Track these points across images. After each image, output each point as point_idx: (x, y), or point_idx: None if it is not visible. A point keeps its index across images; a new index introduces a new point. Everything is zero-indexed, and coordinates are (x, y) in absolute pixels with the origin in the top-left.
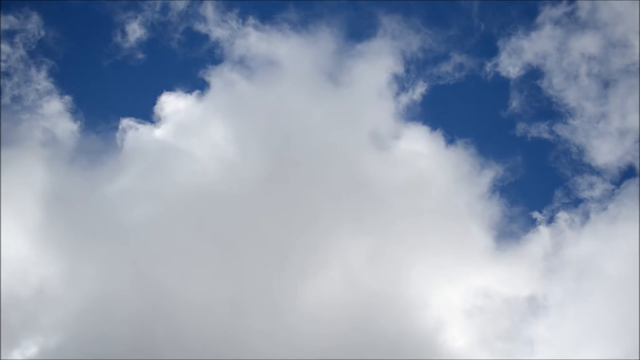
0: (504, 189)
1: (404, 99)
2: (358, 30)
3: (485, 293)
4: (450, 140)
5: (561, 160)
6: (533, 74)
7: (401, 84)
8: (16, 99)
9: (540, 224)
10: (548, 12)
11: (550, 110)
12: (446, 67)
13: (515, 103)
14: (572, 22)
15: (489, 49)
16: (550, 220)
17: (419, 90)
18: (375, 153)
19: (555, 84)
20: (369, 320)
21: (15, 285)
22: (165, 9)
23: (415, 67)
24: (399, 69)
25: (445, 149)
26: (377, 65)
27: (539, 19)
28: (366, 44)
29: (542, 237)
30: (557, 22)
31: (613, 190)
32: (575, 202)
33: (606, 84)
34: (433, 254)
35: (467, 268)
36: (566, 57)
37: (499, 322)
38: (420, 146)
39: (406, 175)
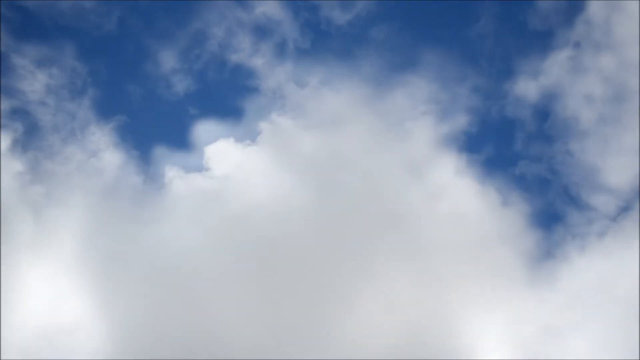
0: (531, 218)
1: (442, 129)
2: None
3: (519, 323)
4: (487, 172)
5: (569, 185)
6: (538, 114)
7: (438, 114)
8: (52, 132)
9: (560, 251)
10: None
11: (561, 134)
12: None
13: (528, 128)
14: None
15: (504, 76)
16: (565, 246)
17: (456, 120)
18: (415, 184)
19: (566, 111)
20: (408, 350)
21: (51, 324)
22: (214, 61)
23: (449, 96)
24: (436, 98)
25: (482, 181)
26: (412, 96)
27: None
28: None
29: (561, 263)
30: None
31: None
32: (586, 223)
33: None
34: (472, 284)
35: (503, 299)
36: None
37: (531, 350)
38: (458, 178)
39: (445, 206)
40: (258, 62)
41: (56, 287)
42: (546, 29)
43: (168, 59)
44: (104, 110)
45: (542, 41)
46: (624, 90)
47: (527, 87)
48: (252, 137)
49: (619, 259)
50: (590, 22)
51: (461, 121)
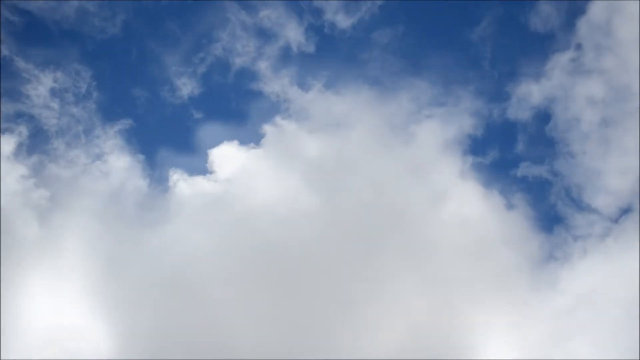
0: (534, 221)
1: (446, 132)
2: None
3: (522, 324)
4: (490, 174)
5: (571, 187)
6: (540, 116)
7: (441, 117)
8: (57, 136)
9: (563, 252)
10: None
11: (562, 136)
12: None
13: (530, 130)
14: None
15: (506, 78)
16: (567, 248)
17: (460, 123)
18: (420, 187)
19: (560, 125)
20: (413, 351)
21: (55, 327)
22: (218, 65)
23: (452, 100)
24: (439, 101)
25: (486, 184)
26: (417, 99)
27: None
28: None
29: (564, 265)
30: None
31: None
32: (588, 225)
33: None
34: (476, 286)
35: (507, 300)
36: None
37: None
38: (462, 180)
39: (450, 209)
40: (262, 65)
41: (61, 290)
42: (548, 31)
43: (172, 63)
44: (109, 114)
45: (544, 43)
46: (625, 92)
47: (529, 90)
48: (256, 140)
49: (620, 260)
50: (591, 24)
51: (465, 124)
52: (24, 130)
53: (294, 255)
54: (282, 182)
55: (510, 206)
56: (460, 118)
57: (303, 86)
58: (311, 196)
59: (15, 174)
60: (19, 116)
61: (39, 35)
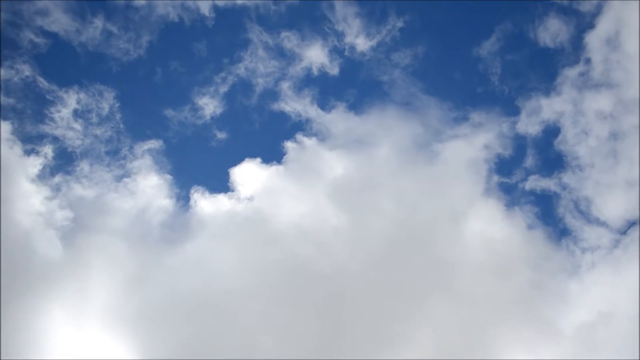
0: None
1: (467, 150)
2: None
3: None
4: (506, 189)
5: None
6: (549, 130)
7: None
8: (80, 157)
9: (575, 266)
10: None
11: (571, 150)
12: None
13: (540, 145)
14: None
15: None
16: (578, 260)
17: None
18: (442, 206)
19: (569, 139)
20: None
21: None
22: (241, 85)
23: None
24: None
25: (505, 201)
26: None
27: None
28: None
29: (579, 278)
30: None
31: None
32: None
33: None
34: (496, 302)
35: (525, 315)
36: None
37: None
38: (483, 198)
39: (472, 228)
40: (284, 85)
41: (85, 310)
42: (557, 46)
43: (194, 83)
44: (134, 134)
45: (553, 58)
46: (633, 106)
47: (539, 105)
48: (278, 158)
49: (628, 272)
50: (600, 38)
51: (486, 143)
52: (48, 151)
53: (315, 272)
54: (304, 200)
55: (530, 226)
56: (482, 137)
57: (325, 107)
58: (334, 213)
59: (39, 195)
60: (42, 137)
61: (63, 57)
